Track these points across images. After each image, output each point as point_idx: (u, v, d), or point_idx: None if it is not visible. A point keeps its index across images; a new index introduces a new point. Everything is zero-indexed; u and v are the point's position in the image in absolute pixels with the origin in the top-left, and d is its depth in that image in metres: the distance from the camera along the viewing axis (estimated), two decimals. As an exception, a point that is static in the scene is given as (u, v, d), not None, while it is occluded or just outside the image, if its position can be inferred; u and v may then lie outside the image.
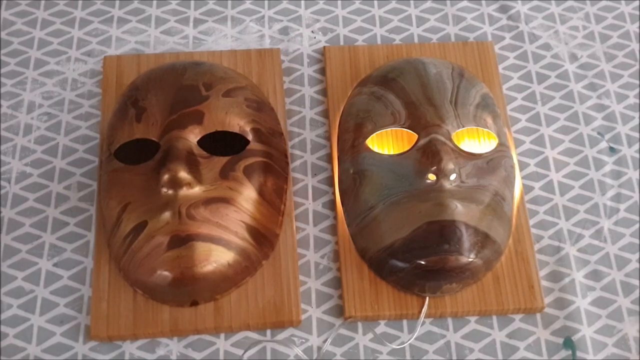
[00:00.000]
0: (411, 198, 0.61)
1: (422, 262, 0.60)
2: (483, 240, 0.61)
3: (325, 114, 0.74)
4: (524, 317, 0.65)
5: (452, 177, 0.61)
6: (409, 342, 0.63)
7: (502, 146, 0.66)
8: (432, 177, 0.61)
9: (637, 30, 0.81)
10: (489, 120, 0.67)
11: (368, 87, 0.70)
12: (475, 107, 0.66)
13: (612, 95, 0.76)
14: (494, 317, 0.65)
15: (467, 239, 0.59)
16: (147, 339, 0.63)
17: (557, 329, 0.64)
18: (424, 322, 0.64)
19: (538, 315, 0.65)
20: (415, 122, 0.64)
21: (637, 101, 0.76)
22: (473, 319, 0.65)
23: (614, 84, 0.77)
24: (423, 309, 0.62)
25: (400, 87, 0.67)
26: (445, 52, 0.76)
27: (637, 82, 0.77)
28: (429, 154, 0.61)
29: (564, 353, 0.63)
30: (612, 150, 0.73)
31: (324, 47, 0.77)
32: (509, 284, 0.65)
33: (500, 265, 0.65)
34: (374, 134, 0.66)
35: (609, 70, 0.78)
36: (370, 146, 0.65)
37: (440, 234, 0.59)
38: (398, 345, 0.63)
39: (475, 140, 0.67)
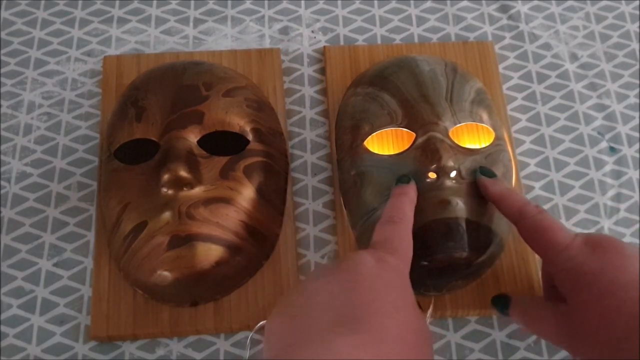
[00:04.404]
0: (413, 197, 0.61)
1: (428, 261, 0.59)
2: (486, 234, 0.60)
3: (325, 114, 0.74)
4: (524, 317, 0.65)
5: (453, 174, 0.61)
6: None
7: (499, 140, 0.66)
8: (432, 175, 0.61)
9: (638, 30, 0.80)
10: (485, 115, 0.66)
11: (362, 87, 0.70)
12: (471, 102, 0.66)
13: (612, 95, 0.76)
14: (494, 317, 0.65)
15: (471, 235, 0.59)
16: (147, 339, 0.63)
17: (557, 329, 0.64)
18: (424, 322, 0.64)
19: (538, 315, 0.65)
20: (412, 120, 0.64)
21: (638, 101, 0.76)
22: (473, 319, 0.65)
23: (614, 84, 0.77)
24: (429, 309, 0.62)
25: (395, 87, 0.67)
26: (446, 51, 0.76)
27: (638, 82, 0.77)
28: (428, 152, 0.61)
29: (564, 353, 0.63)
30: (613, 150, 0.73)
31: (324, 47, 0.77)
32: (509, 284, 0.65)
33: (500, 265, 0.65)
34: (373, 135, 0.65)
35: (609, 70, 0.78)
36: (370, 147, 0.65)
37: (444, 232, 0.59)
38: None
39: (472, 136, 0.67)
